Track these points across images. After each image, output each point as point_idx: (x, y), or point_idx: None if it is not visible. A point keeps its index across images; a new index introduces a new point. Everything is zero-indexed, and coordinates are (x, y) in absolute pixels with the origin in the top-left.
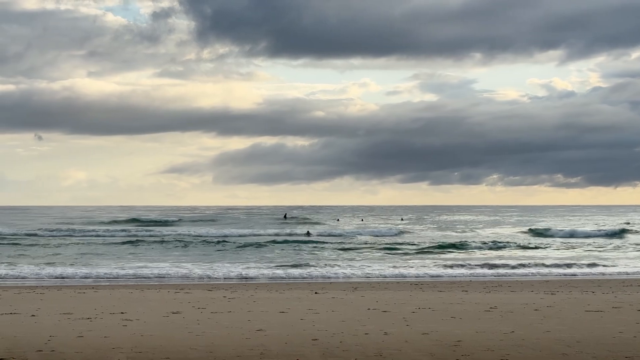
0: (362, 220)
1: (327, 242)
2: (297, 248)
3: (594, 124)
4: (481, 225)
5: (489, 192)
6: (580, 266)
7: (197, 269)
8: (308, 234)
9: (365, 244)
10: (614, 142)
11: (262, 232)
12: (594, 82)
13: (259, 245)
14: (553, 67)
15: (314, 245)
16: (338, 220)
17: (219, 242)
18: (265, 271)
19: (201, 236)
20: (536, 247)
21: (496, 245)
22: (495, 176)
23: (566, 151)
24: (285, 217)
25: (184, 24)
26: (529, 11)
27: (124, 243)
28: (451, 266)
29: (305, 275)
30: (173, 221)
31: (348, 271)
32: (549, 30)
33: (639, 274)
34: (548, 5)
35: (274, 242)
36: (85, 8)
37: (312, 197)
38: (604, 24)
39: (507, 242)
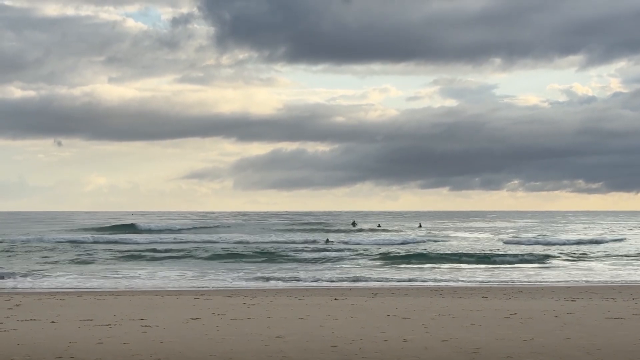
0: (379, 225)
1: (349, 250)
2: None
3: (615, 130)
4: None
5: (510, 198)
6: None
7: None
8: (327, 241)
9: (382, 252)
10: (635, 148)
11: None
12: (615, 87)
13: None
14: (573, 72)
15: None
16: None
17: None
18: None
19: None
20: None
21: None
22: (516, 181)
23: (587, 156)
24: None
25: (203, 29)
26: (548, 16)
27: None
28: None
29: (323, 280)
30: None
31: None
32: (569, 36)
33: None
34: (567, 10)
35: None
36: (105, 14)
37: (333, 203)
38: (624, 29)
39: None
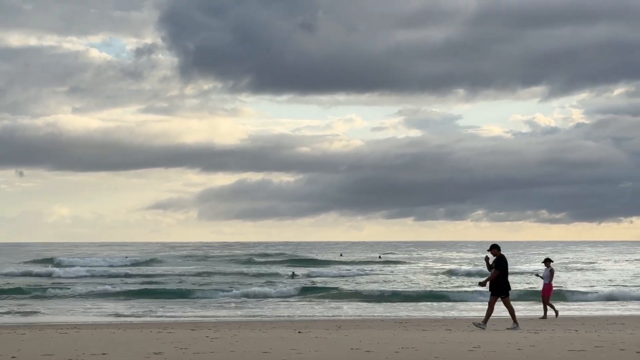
0: (341, 255)
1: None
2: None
3: (578, 160)
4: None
5: (474, 228)
6: None
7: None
8: (293, 275)
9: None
10: (598, 178)
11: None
12: (577, 118)
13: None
14: (536, 103)
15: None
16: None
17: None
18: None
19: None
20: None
21: None
22: (480, 212)
23: (550, 187)
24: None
25: (167, 60)
26: (511, 47)
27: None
28: None
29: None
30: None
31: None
32: (531, 67)
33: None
34: (530, 41)
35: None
36: (68, 44)
37: (298, 233)
38: (585, 61)
39: None
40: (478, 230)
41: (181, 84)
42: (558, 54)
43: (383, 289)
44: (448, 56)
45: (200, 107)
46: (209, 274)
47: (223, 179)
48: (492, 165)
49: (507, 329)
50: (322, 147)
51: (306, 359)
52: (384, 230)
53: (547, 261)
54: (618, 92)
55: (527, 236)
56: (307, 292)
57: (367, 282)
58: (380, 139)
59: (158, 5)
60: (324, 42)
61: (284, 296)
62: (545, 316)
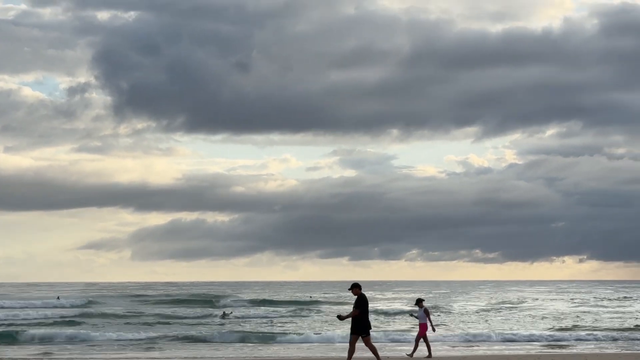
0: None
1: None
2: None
3: (510, 200)
4: None
5: (409, 267)
6: None
7: None
8: (224, 315)
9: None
10: (530, 218)
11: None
12: (510, 158)
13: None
14: (469, 143)
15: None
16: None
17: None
18: None
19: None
20: None
21: None
22: (414, 251)
23: (484, 227)
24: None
25: (100, 98)
26: (444, 88)
27: None
28: None
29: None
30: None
31: None
32: (465, 107)
33: None
34: (463, 82)
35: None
36: (0, 82)
37: (233, 273)
38: (518, 102)
39: None
40: (412, 269)
41: (115, 123)
42: (491, 95)
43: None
44: (382, 96)
45: (135, 146)
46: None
47: (157, 219)
48: (426, 205)
49: None
50: (257, 187)
51: None
52: (319, 270)
53: (419, 301)
54: (550, 133)
55: (461, 275)
56: None
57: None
58: (315, 179)
59: (92, 44)
60: (259, 81)
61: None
62: (430, 355)
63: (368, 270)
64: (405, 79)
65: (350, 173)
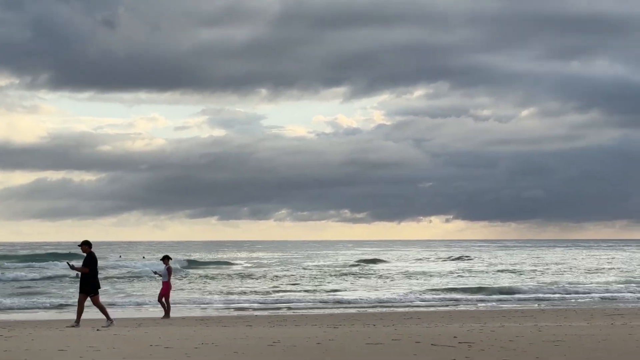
0: (144, 257)
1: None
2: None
3: (379, 161)
4: None
5: (278, 227)
6: None
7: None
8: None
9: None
10: (398, 179)
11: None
12: (378, 119)
13: None
14: (338, 104)
15: None
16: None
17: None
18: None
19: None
20: None
21: None
22: (284, 211)
23: (353, 187)
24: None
25: None
26: (313, 48)
27: None
28: None
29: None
30: None
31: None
32: (333, 68)
33: None
34: (331, 43)
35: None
36: None
37: (99, 233)
38: (386, 63)
39: None
40: (282, 229)
41: None
42: (359, 56)
43: None
44: (251, 56)
45: None
46: None
47: (21, 178)
48: (295, 165)
49: (102, 327)
50: (124, 146)
51: (104, 355)
52: (187, 230)
53: (166, 259)
54: (417, 94)
55: (330, 235)
56: None
57: None
58: (184, 138)
59: None
60: (126, 39)
61: None
62: (167, 315)
63: (237, 230)
64: (274, 38)
65: (219, 133)
